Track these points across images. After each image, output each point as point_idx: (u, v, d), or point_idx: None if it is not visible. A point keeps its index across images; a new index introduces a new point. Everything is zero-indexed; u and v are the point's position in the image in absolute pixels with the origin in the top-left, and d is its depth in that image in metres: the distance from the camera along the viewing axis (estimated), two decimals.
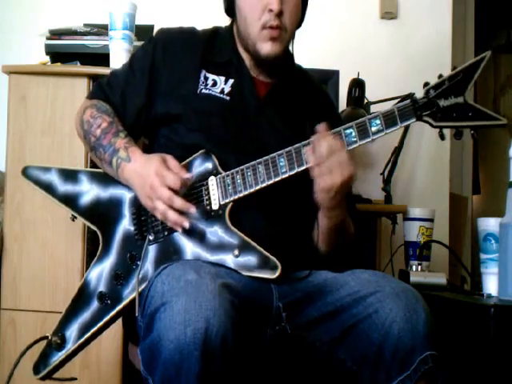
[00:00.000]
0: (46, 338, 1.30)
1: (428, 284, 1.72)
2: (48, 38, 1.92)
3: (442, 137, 1.27)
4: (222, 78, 1.38)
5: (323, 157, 1.20)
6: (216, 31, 1.46)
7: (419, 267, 1.88)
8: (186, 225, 1.23)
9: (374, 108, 2.23)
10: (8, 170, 1.82)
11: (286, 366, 1.28)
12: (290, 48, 1.43)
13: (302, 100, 1.45)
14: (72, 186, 1.38)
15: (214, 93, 1.37)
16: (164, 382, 1.03)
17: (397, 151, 2.22)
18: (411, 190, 2.50)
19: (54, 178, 1.39)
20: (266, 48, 1.33)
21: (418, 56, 2.49)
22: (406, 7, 2.53)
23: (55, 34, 1.93)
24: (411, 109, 1.23)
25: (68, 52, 1.90)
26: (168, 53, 1.40)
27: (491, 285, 1.54)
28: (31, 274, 1.79)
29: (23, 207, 1.80)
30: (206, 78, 1.38)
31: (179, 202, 1.23)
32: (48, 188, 1.39)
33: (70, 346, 1.28)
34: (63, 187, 1.38)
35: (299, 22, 1.40)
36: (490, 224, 1.55)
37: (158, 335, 1.02)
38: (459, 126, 1.24)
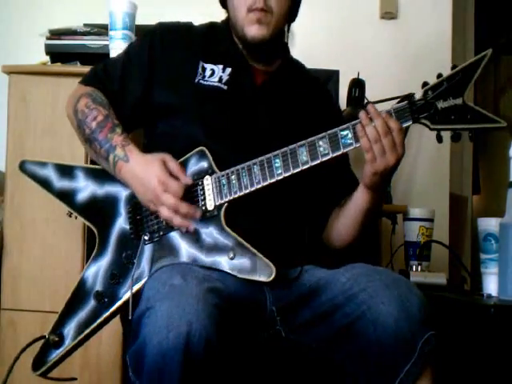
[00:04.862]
0: (44, 337, 1.30)
1: (428, 284, 1.72)
2: (48, 38, 1.92)
3: (440, 139, 1.26)
4: (220, 67, 1.39)
5: (377, 138, 1.19)
6: (213, 25, 1.47)
7: (419, 267, 1.88)
8: (192, 228, 1.24)
9: None
10: (8, 169, 1.82)
11: (281, 370, 1.28)
12: (285, 40, 1.46)
13: (299, 89, 1.46)
14: (68, 182, 1.38)
15: (211, 83, 1.37)
16: None
17: None
18: (411, 189, 2.50)
19: (50, 174, 1.39)
20: (252, 31, 1.34)
21: (417, 56, 2.49)
22: (405, 7, 2.53)
23: (55, 33, 1.93)
24: (408, 111, 1.22)
25: (68, 52, 1.90)
26: (165, 44, 1.41)
27: (491, 285, 1.53)
28: (31, 274, 1.79)
29: (23, 207, 1.80)
30: (204, 69, 1.39)
31: (185, 208, 1.23)
32: (44, 183, 1.39)
33: (67, 344, 1.28)
34: (59, 183, 1.38)
35: (292, 14, 1.42)
36: (490, 224, 1.55)
37: (144, 340, 1.02)
38: (457, 128, 1.23)
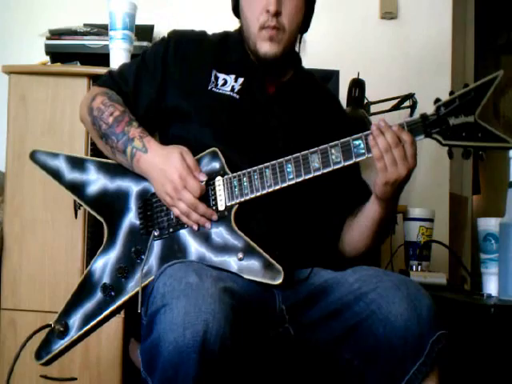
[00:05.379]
0: (49, 326, 1.30)
1: (428, 284, 1.72)
2: (48, 38, 1.93)
3: (451, 155, 1.25)
4: (232, 77, 1.40)
5: (388, 148, 1.19)
6: (227, 34, 1.48)
7: (419, 267, 1.88)
8: (208, 226, 1.25)
9: (374, 108, 2.23)
10: (8, 169, 1.82)
11: (290, 368, 1.28)
12: (297, 49, 1.46)
13: (311, 99, 1.47)
14: (79, 174, 1.38)
15: (223, 91, 1.38)
16: (163, 383, 1.03)
17: None
18: (411, 190, 2.49)
19: (61, 165, 1.39)
20: (264, 48, 1.35)
21: (418, 56, 2.49)
22: (406, 7, 2.53)
23: (55, 33, 1.93)
24: (421, 125, 1.22)
25: (68, 52, 1.91)
26: (180, 51, 1.42)
27: (491, 285, 1.54)
28: (31, 274, 1.79)
29: (23, 207, 1.80)
30: (217, 78, 1.40)
31: (203, 209, 1.25)
32: (55, 174, 1.39)
33: (72, 335, 1.28)
34: (70, 175, 1.38)
35: (304, 25, 1.43)
36: (490, 224, 1.55)
37: (158, 337, 1.03)
38: (468, 145, 1.22)
